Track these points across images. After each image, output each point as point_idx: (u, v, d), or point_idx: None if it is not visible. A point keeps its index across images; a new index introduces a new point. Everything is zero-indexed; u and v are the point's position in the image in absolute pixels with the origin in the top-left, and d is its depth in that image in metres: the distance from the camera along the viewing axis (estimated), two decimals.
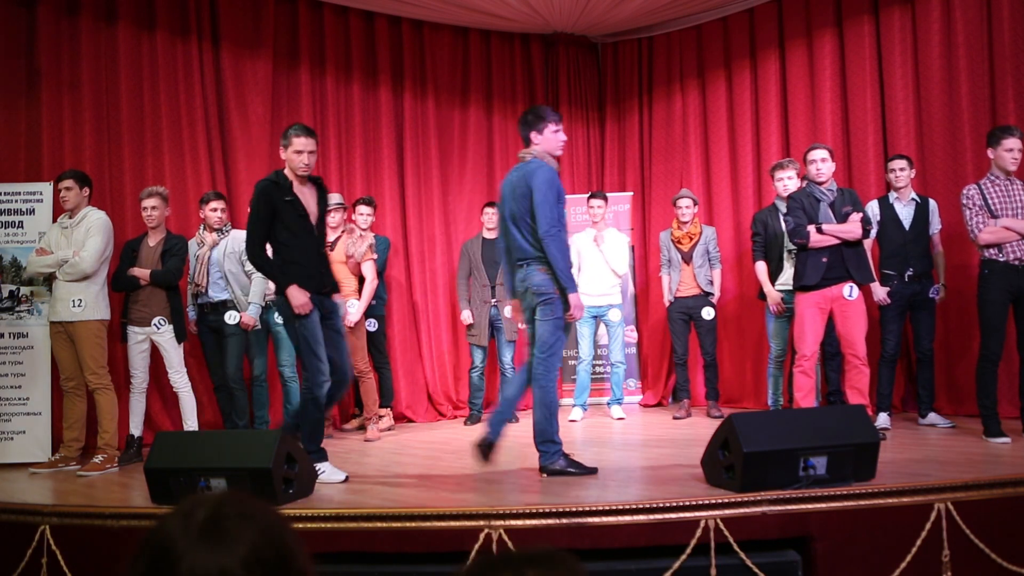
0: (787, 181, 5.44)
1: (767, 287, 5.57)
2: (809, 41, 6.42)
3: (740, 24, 6.84)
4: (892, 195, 5.21)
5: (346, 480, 3.90)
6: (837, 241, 4.45)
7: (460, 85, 7.18)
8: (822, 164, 4.53)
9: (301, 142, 3.92)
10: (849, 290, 4.44)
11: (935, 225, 5.20)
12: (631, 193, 7.33)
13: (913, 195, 5.19)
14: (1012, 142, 4.45)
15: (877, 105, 6.07)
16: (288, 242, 3.91)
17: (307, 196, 4.00)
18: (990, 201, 4.48)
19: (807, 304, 4.51)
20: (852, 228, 4.45)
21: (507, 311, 6.23)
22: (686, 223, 6.12)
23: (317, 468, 3.85)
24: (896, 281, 5.10)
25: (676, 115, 7.21)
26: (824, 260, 4.45)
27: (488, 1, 6.44)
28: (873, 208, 5.19)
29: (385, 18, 6.78)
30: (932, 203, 5.23)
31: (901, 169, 5.14)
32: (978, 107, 5.57)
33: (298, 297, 3.82)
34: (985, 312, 4.46)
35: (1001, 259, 4.43)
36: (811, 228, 4.47)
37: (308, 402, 3.88)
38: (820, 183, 4.55)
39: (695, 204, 6.19)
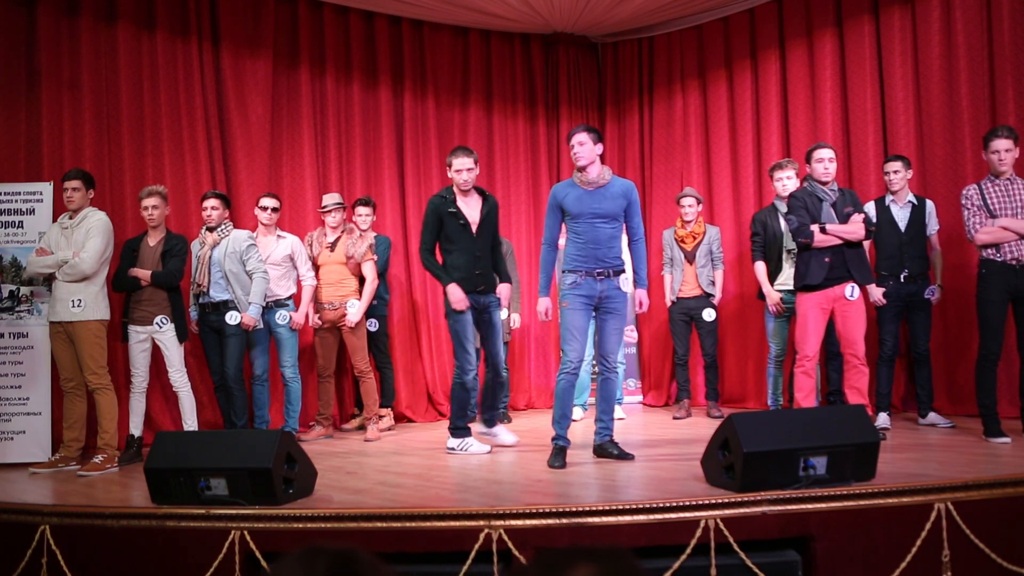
0: (786, 181, 5.45)
1: (766, 287, 5.57)
2: (809, 41, 6.42)
3: (741, 24, 6.84)
4: (888, 197, 5.21)
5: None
6: (839, 241, 4.44)
7: (460, 85, 7.18)
8: (829, 164, 4.52)
9: (458, 162, 4.60)
10: (851, 290, 4.44)
11: (932, 226, 5.20)
12: None
13: (910, 197, 5.18)
14: (996, 143, 4.45)
15: (877, 105, 6.07)
16: (450, 248, 4.63)
17: (470, 206, 4.65)
18: (990, 201, 4.48)
19: (809, 304, 4.51)
20: (855, 229, 4.45)
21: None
22: (689, 222, 6.11)
23: (460, 443, 4.73)
24: (892, 282, 5.10)
25: (677, 115, 7.20)
26: (827, 260, 4.45)
27: (488, 1, 6.44)
28: (870, 210, 5.18)
29: (385, 18, 6.78)
30: (930, 204, 5.23)
31: (896, 171, 5.13)
32: (978, 107, 5.57)
33: (455, 294, 4.53)
34: (984, 312, 4.46)
35: (999, 259, 4.42)
36: (815, 228, 4.46)
37: (456, 386, 4.69)
38: (825, 183, 4.55)
39: (699, 203, 6.17)
